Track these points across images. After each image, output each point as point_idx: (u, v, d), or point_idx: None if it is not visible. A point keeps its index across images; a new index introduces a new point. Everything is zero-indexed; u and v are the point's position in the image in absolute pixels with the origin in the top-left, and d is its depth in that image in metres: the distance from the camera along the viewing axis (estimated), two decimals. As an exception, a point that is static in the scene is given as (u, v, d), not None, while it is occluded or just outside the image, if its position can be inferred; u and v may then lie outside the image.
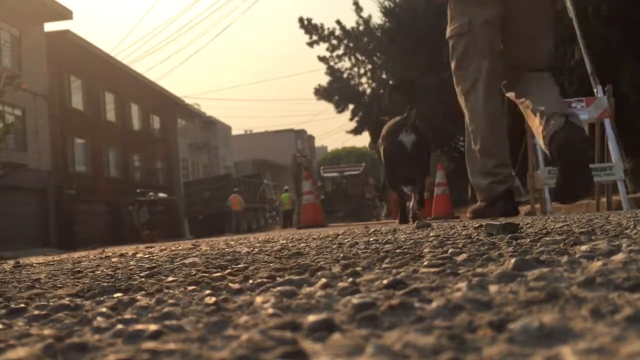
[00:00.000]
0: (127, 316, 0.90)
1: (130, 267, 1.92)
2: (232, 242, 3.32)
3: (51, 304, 1.10)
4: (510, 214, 3.62)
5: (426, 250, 1.58)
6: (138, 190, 26.30)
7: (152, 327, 0.76)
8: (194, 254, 2.30)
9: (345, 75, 25.63)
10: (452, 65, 3.85)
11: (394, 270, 1.20)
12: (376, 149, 4.38)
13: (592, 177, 3.60)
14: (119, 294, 1.20)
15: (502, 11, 3.59)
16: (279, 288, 1.04)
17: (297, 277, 1.19)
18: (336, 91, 25.57)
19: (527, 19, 3.63)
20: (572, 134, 3.17)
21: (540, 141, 3.52)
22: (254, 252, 2.14)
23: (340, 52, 25.42)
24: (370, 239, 2.29)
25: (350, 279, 1.10)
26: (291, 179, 27.23)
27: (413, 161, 4.02)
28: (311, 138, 66.96)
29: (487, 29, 3.63)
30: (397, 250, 1.63)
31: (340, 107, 26.04)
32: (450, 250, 1.47)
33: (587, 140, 3.65)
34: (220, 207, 26.68)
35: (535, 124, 3.41)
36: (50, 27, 23.71)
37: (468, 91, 3.77)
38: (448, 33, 3.82)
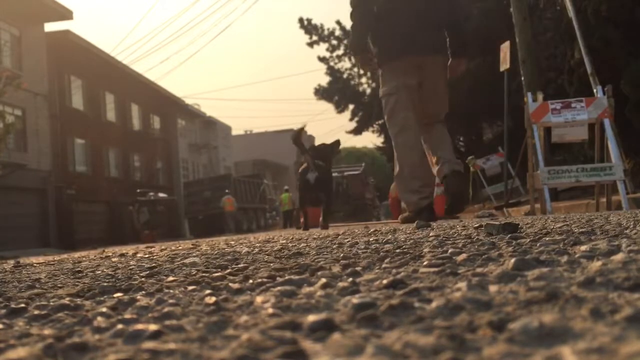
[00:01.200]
0: (127, 316, 0.90)
1: (131, 267, 1.92)
2: (232, 242, 3.32)
3: (51, 303, 1.10)
4: (432, 220, 4.92)
5: (426, 250, 1.58)
6: (138, 190, 26.30)
7: (152, 327, 0.76)
8: (194, 254, 2.30)
9: (345, 76, 25.64)
10: (385, 116, 5.17)
11: (394, 270, 1.20)
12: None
13: (466, 201, 5.18)
14: (119, 294, 1.20)
15: (419, 80, 5.00)
16: (279, 288, 1.04)
17: (297, 277, 1.19)
18: (336, 91, 25.58)
19: (434, 85, 5.04)
20: (456, 176, 4.88)
21: (434, 171, 5.02)
22: (254, 252, 2.14)
23: (340, 52, 25.44)
24: (370, 239, 2.29)
25: (350, 279, 1.10)
26: (296, 178, 27.28)
27: (317, 189, 5.91)
28: (311, 138, 66.97)
29: (409, 91, 4.99)
30: (397, 250, 1.63)
31: (340, 107, 26.07)
32: (450, 250, 1.47)
33: (463, 178, 5.26)
34: (220, 207, 26.71)
35: (433, 162, 5.00)
36: (50, 27, 23.72)
37: (397, 134, 5.06)
38: (381, 93, 5.15)
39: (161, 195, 27.45)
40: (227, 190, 27.08)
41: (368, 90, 25.57)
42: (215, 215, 27.27)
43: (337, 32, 24.86)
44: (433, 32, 5.02)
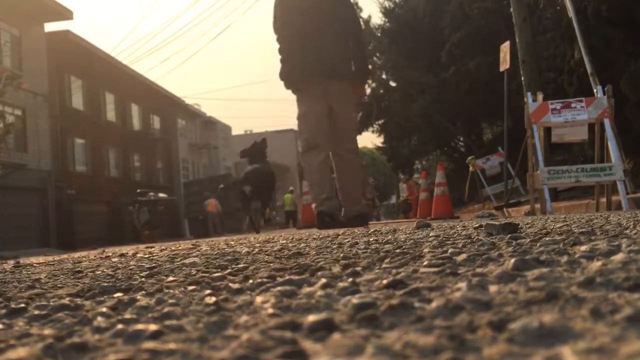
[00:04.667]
0: (127, 316, 0.90)
1: (131, 267, 1.92)
2: (232, 242, 3.32)
3: (51, 303, 1.10)
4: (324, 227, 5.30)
5: (426, 250, 1.58)
6: (138, 190, 26.25)
7: (152, 327, 0.76)
8: (194, 254, 2.30)
9: (345, 75, 25.57)
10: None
11: (394, 270, 1.20)
12: None
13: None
14: (119, 294, 1.20)
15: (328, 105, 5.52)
16: (279, 288, 1.04)
17: (297, 277, 1.19)
18: (336, 91, 25.51)
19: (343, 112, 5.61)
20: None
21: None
22: (254, 252, 2.14)
23: (340, 52, 25.37)
24: (370, 239, 2.29)
25: (350, 279, 1.10)
26: (298, 178, 27.59)
27: None
28: (311, 138, 66.72)
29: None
30: (397, 250, 1.63)
31: (340, 107, 25.98)
32: (450, 250, 1.47)
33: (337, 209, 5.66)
34: (205, 206, 26.94)
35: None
36: (50, 27, 23.69)
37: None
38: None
39: (161, 195, 27.38)
40: (207, 193, 27.49)
41: (368, 90, 25.57)
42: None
43: (337, 32, 24.87)
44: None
